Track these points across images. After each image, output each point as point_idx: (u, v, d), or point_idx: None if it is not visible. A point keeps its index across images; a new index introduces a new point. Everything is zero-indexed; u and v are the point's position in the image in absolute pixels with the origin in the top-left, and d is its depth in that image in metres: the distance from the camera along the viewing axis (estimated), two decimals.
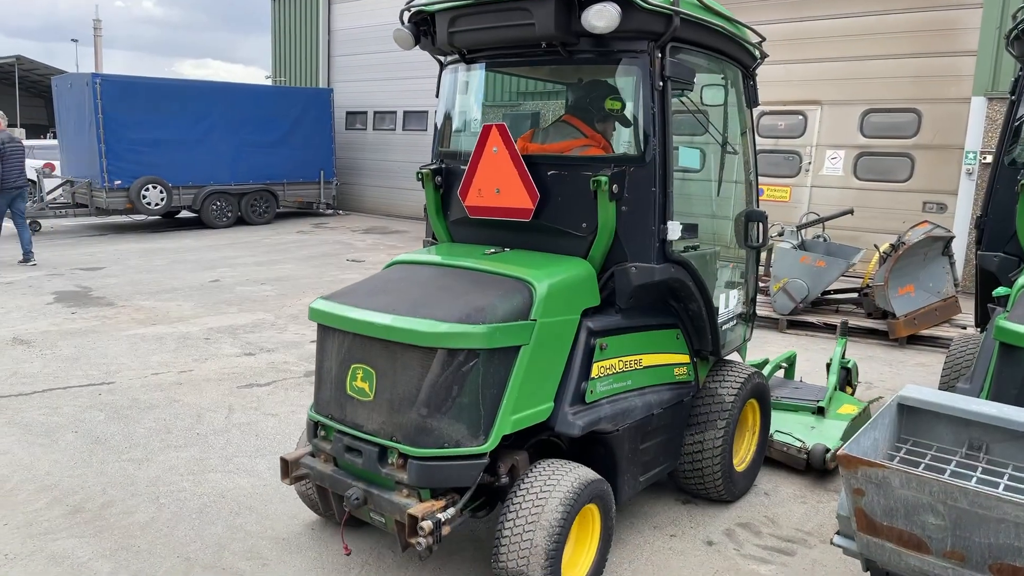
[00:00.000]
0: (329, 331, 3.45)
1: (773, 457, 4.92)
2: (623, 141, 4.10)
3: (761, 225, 4.60)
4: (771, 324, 8.89)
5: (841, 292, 9.29)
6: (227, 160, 16.70)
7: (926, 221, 9.00)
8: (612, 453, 3.67)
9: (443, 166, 4.20)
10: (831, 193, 12.56)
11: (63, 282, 10.53)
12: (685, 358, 4.20)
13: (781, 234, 9.41)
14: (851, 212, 10.05)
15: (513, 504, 3.18)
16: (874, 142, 12.25)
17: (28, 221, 12.19)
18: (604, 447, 3.66)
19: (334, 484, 3.41)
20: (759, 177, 4.93)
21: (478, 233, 4.15)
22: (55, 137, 20.85)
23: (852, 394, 6.16)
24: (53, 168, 18.33)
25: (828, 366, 5.98)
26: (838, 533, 2.92)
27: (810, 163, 12.80)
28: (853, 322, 8.42)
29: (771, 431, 4.96)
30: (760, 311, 7.93)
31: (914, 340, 8.29)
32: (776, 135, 13.07)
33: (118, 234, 15.70)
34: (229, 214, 16.92)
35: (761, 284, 7.77)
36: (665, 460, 4.17)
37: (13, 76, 38.00)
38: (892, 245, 8.71)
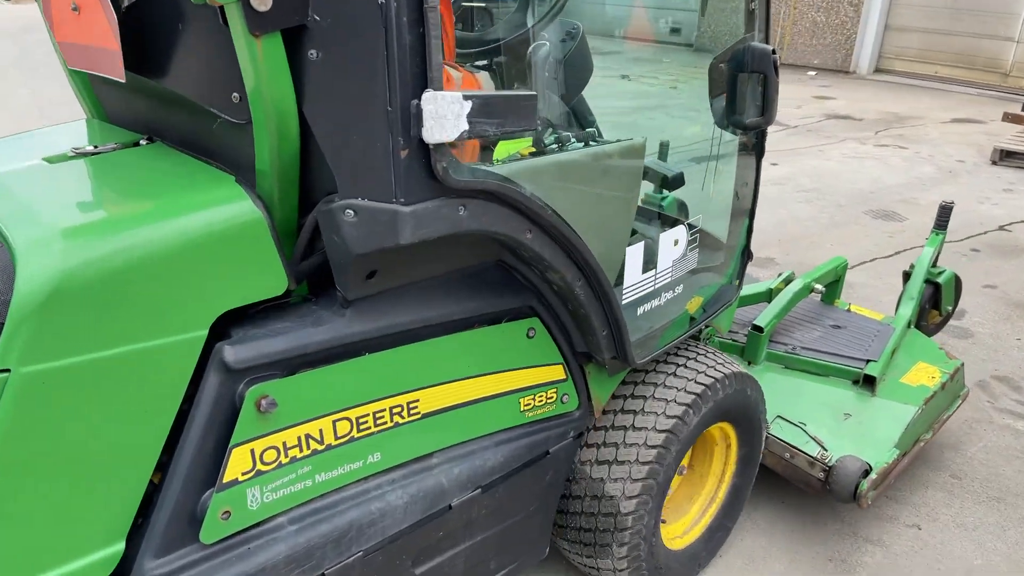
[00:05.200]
0: None
1: (768, 465, 2.79)
2: None
3: (767, 79, 2.19)
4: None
5: None
6: None
7: None
8: None
9: None
10: None
11: None
12: (552, 372, 2.03)
13: None
14: None
15: None
16: None
17: None
18: None
19: None
20: None
21: (133, 104, 1.97)
22: None
23: (938, 324, 3.80)
24: None
25: (906, 276, 3.62)
26: None
27: None
28: None
29: (770, 421, 2.80)
30: None
31: None
32: None
33: None
34: None
35: None
36: (508, 560, 2.15)
37: None
38: None
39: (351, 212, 1.45)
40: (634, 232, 2.24)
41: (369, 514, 1.69)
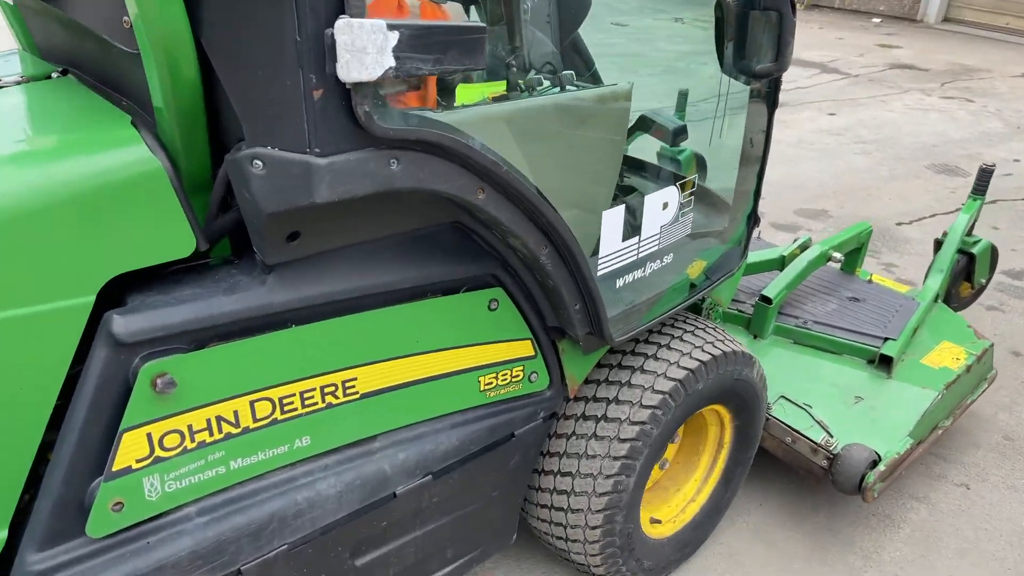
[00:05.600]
0: None
1: (766, 448, 2.57)
2: None
3: (782, 18, 1.90)
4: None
5: None
6: None
7: None
8: None
9: None
10: None
11: None
12: (518, 348, 1.81)
13: None
14: None
15: None
16: None
17: None
18: None
19: None
20: None
21: (56, 35, 1.74)
22: None
23: (970, 298, 3.51)
24: None
25: (937, 245, 3.32)
26: None
27: None
28: None
29: (773, 401, 2.57)
30: None
31: None
32: None
33: None
34: None
35: None
36: (467, 549, 1.97)
37: None
38: None
39: (259, 163, 1.22)
40: (633, 191, 1.98)
41: (295, 504, 1.51)
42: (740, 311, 2.93)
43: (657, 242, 1.86)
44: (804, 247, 3.13)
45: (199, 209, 1.41)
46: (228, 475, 1.43)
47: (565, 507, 2.02)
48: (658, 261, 1.90)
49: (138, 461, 1.31)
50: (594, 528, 2.01)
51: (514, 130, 1.47)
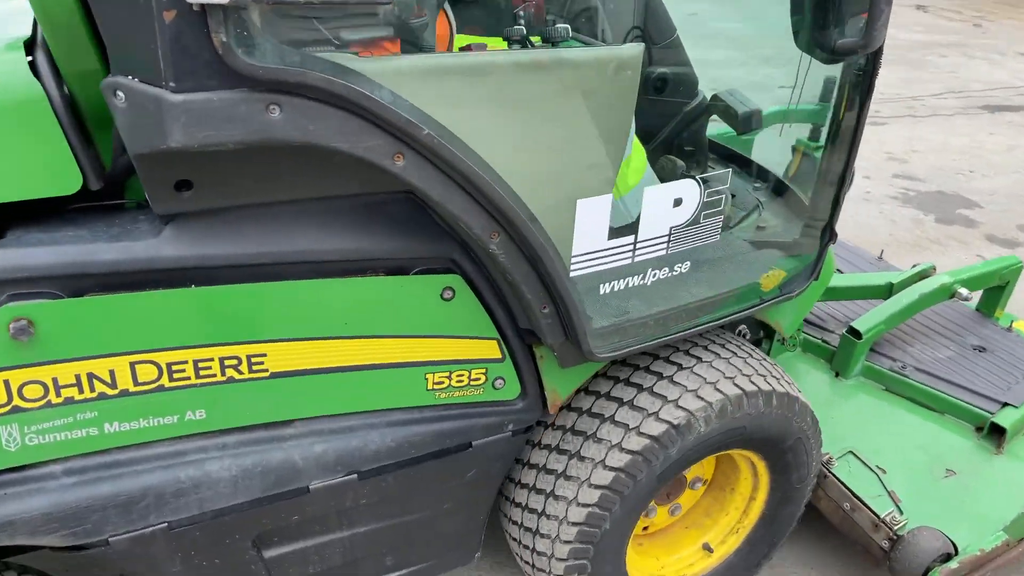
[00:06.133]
0: None
1: (822, 511, 2.14)
2: None
3: None
4: None
5: None
6: None
7: None
8: None
9: None
10: None
11: None
12: (479, 348, 1.55)
13: None
14: None
15: None
16: None
17: None
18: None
19: None
20: None
21: None
22: None
23: None
24: None
25: None
26: None
27: None
28: None
29: (839, 455, 2.13)
30: None
31: None
32: None
33: None
34: None
35: None
36: (413, 560, 1.76)
37: None
38: None
39: (121, 95, 1.06)
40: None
41: (177, 482, 1.36)
42: (826, 341, 2.47)
43: (664, 246, 1.52)
44: (923, 275, 2.58)
45: (106, 145, 1.28)
46: (101, 438, 1.31)
47: (531, 546, 1.77)
48: (665, 269, 1.56)
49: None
50: (561, 560, 1.73)
51: (460, 89, 1.20)
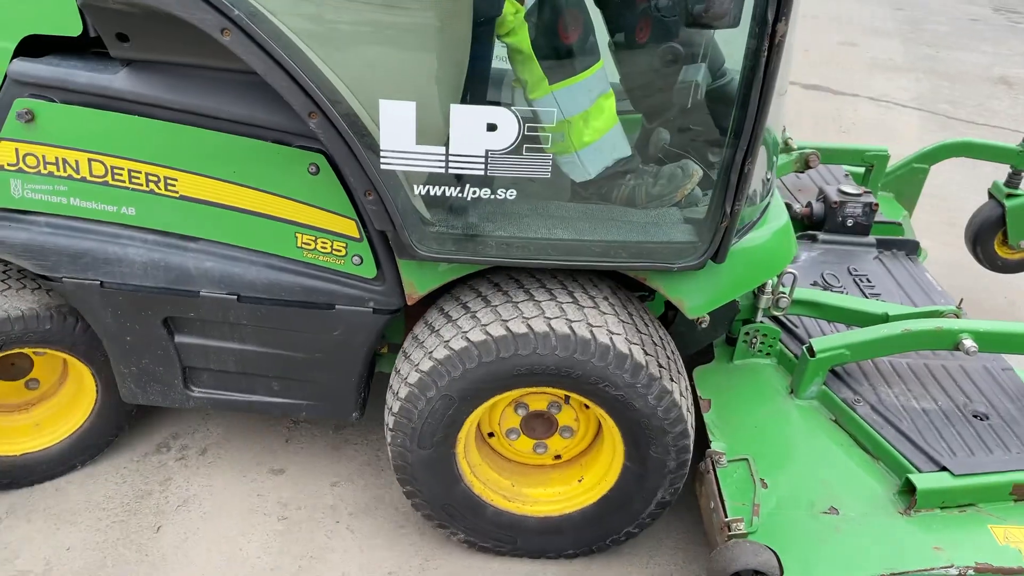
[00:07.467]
0: None
1: (700, 506, 2.11)
2: None
3: None
4: None
5: None
6: None
7: None
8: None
9: None
10: None
11: None
12: (339, 223, 1.90)
13: None
14: None
15: None
16: None
17: None
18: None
19: None
20: None
21: None
22: None
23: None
24: None
25: None
26: None
27: None
28: None
29: (727, 458, 2.06)
30: None
31: None
32: None
33: None
34: None
35: None
36: (292, 394, 2.18)
37: None
38: None
39: None
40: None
41: (105, 253, 1.95)
42: (797, 356, 2.31)
43: (482, 167, 1.71)
44: (935, 315, 2.25)
45: None
46: (68, 208, 1.93)
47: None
48: (487, 191, 1.75)
49: (9, 164, 1.88)
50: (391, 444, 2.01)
51: None
